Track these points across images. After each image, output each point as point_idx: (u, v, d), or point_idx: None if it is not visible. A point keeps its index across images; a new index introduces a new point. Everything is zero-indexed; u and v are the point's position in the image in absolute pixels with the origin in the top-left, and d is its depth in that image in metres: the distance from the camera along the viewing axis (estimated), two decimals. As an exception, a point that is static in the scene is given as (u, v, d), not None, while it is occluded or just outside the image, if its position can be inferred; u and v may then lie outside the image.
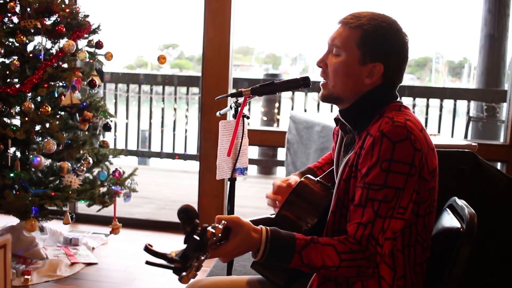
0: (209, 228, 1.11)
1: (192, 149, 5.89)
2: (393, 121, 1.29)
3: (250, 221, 1.45)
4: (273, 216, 1.48)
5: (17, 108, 2.91)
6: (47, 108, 2.80)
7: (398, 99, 1.41)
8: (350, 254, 1.24)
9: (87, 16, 3.03)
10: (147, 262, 1.06)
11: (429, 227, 1.37)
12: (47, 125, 2.84)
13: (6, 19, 2.89)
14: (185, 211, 1.08)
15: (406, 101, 5.84)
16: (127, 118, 5.90)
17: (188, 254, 1.06)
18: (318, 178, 1.53)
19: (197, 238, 1.08)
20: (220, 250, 1.21)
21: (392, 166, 1.25)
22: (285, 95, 6.27)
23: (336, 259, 1.23)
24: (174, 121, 5.90)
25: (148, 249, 1.03)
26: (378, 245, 1.24)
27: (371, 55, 1.36)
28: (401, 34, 1.38)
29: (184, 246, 1.08)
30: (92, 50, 3.07)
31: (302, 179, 1.51)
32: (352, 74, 1.38)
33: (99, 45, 3.08)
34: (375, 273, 1.27)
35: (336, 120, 1.51)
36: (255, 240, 1.24)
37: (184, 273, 1.06)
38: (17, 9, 2.87)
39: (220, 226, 1.17)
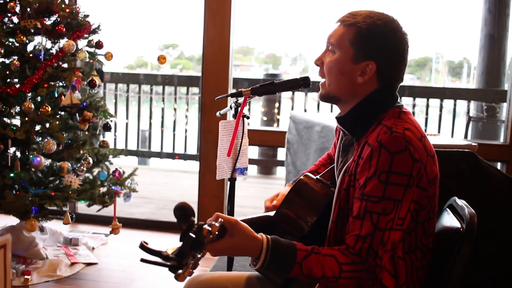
0: (205, 226, 1.10)
1: (192, 149, 5.88)
2: (391, 131, 1.26)
3: (249, 219, 1.44)
4: (272, 214, 1.48)
5: (17, 108, 2.90)
6: (47, 108, 2.80)
7: (398, 101, 1.39)
8: (351, 266, 1.23)
9: (87, 16, 3.03)
10: (142, 260, 1.04)
11: (428, 232, 1.36)
12: (47, 125, 2.84)
13: (6, 19, 2.89)
14: (181, 209, 1.08)
15: (406, 101, 5.84)
16: (127, 118, 5.90)
17: (184, 252, 1.05)
18: (317, 176, 1.53)
19: (193, 236, 1.07)
20: (211, 246, 1.20)
21: (390, 178, 1.23)
22: (285, 95, 6.26)
23: (337, 270, 1.23)
24: (174, 121, 5.90)
25: (143, 247, 1.02)
26: (378, 257, 1.24)
27: (363, 53, 1.34)
28: (398, 33, 1.35)
29: (180, 244, 1.07)
30: (92, 50, 3.07)
31: (301, 177, 1.50)
32: (346, 72, 1.36)
33: (99, 45, 3.08)
34: (374, 285, 1.26)
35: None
36: (254, 249, 1.23)
37: (180, 271, 1.05)
38: (17, 9, 2.87)
39: (217, 224, 1.16)
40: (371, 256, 1.23)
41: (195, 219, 1.09)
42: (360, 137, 1.35)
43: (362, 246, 1.24)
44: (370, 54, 1.34)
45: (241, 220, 1.40)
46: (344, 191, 1.34)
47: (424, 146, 1.29)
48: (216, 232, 1.16)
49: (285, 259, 1.24)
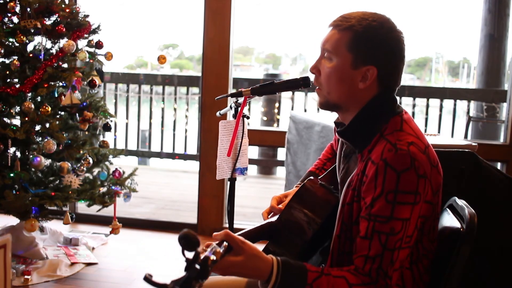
0: (211, 256, 1.08)
1: (192, 149, 5.89)
2: (396, 148, 1.23)
3: (252, 229, 1.43)
4: (275, 221, 1.47)
5: (17, 108, 2.91)
6: (47, 108, 2.80)
7: (398, 102, 1.37)
8: (361, 286, 1.22)
9: (87, 16, 3.03)
10: None
11: (433, 238, 1.35)
12: (47, 125, 2.84)
13: (6, 19, 2.89)
14: (186, 238, 1.04)
15: (406, 101, 5.84)
16: (127, 118, 5.90)
17: (189, 282, 1.03)
18: (320, 180, 1.51)
19: (198, 267, 1.05)
20: (217, 265, 1.16)
21: (398, 198, 1.21)
22: (285, 95, 6.26)
23: None
24: (174, 121, 5.90)
25: (147, 280, 0.99)
26: (388, 277, 1.22)
27: (363, 58, 1.30)
28: (395, 33, 1.31)
29: (184, 273, 1.05)
30: (92, 50, 3.07)
31: (305, 182, 1.49)
32: (345, 79, 1.32)
33: (99, 45, 3.08)
34: None
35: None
36: (264, 270, 1.21)
37: None
38: (17, 9, 2.87)
39: (221, 250, 1.14)
40: (381, 277, 1.22)
41: (200, 250, 1.06)
42: (363, 149, 1.32)
43: (372, 267, 1.22)
44: (370, 58, 1.30)
45: (244, 232, 1.39)
46: (347, 206, 1.32)
47: (428, 157, 1.26)
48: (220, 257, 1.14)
49: (296, 281, 1.21)
